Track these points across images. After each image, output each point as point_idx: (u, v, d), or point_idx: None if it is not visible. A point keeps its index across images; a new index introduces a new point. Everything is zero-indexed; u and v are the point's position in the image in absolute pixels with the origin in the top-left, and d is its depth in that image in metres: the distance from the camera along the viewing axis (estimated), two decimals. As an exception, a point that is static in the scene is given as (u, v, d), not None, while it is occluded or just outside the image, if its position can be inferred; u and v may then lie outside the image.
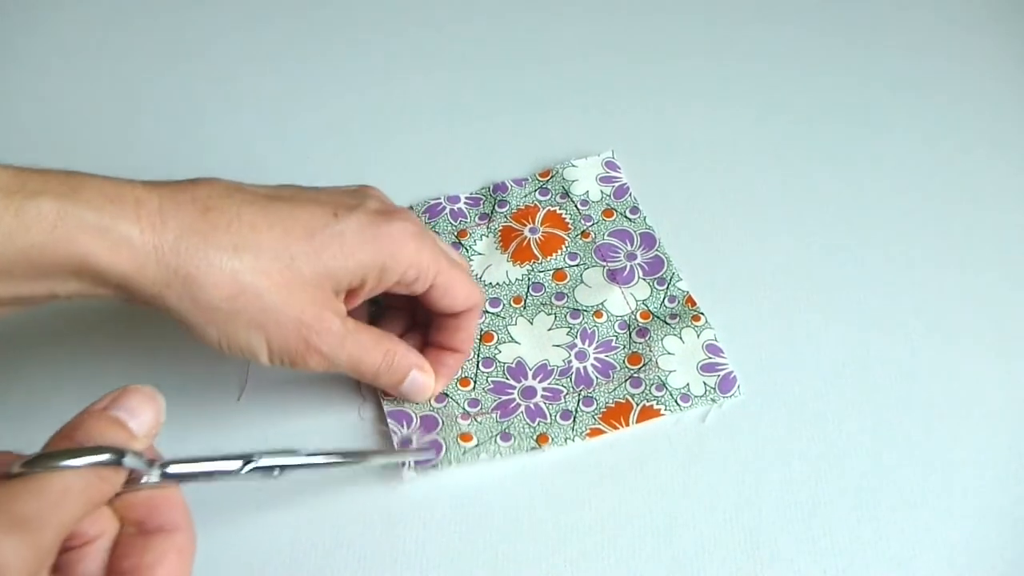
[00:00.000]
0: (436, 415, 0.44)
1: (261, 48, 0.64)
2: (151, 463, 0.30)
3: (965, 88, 0.59)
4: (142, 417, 0.30)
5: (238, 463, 0.33)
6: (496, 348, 0.47)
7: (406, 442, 0.43)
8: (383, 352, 0.41)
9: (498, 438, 0.43)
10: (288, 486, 0.43)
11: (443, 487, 0.43)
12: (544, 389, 0.45)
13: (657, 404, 0.44)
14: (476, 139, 0.57)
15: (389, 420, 0.44)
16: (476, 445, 0.43)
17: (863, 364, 0.46)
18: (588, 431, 0.44)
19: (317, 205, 0.39)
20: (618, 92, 0.60)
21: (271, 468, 0.34)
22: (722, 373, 0.45)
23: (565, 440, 0.43)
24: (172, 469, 0.30)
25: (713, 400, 0.45)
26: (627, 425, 0.44)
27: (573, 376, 0.46)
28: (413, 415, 0.44)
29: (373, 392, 0.46)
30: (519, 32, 0.64)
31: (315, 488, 0.43)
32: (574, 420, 0.44)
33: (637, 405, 0.44)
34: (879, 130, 0.57)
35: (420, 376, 0.43)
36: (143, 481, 0.30)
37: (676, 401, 0.44)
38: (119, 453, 0.28)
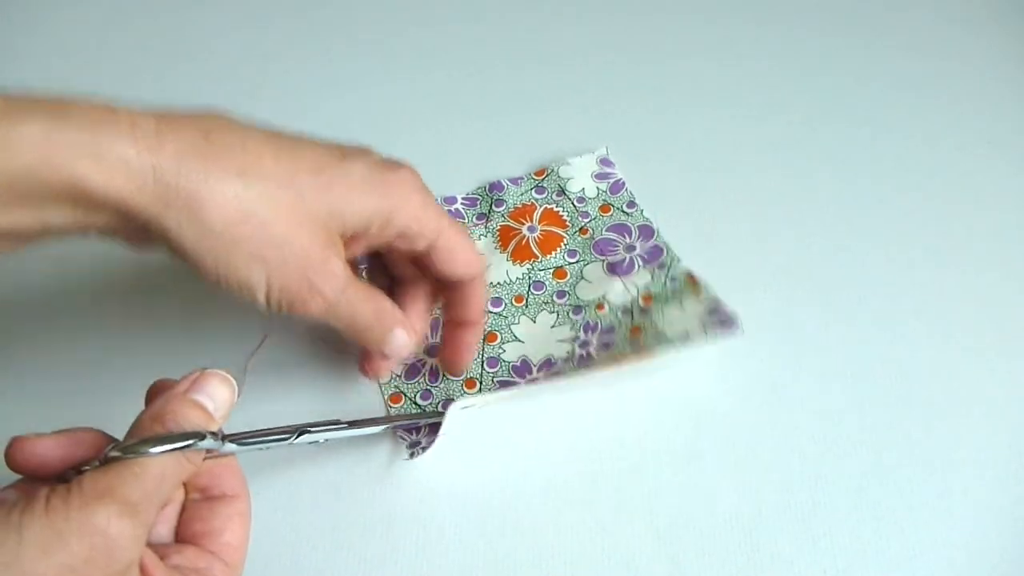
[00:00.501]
0: (442, 423, 0.44)
1: (261, 48, 0.64)
2: (223, 440, 0.33)
3: (965, 88, 0.59)
4: (219, 399, 0.33)
5: (290, 434, 0.37)
6: (500, 348, 0.47)
7: (415, 445, 0.43)
8: (374, 307, 0.40)
9: (498, 389, 0.45)
10: (288, 488, 0.43)
11: (443, 488, 0.43)
12: (546, 376, 0.46)
13: (654, 348, 0.44)
14: (473, 139, 0.57)
15: (398, 430, 0.44)
16: (479, 391, 0.44)
17: (863, 364, 0.46)
18: (580, 369, 0.45)
19: (322, 147, 0.38)
20: (616, 92, 0.60)
21: (319, 437, 0.38)
22: (723, 318, 0.44)
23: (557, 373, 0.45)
24: (242, 442, 0.34)
25: (714, 337, 0.44)
26: (620, 364, 0.44)
27: (576, 360, 0.46)
28: (420, 424, 0.44)
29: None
30: (517, 32, 0.64)
31: (315, 490, 0.43)
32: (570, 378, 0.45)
33: (634, 354, 0.44)
34: (879, 129, 0.57)
35: (402, 335, 0.41)
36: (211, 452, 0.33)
37: (673, 343, 0.44)
38: (200, 436, 0.31)
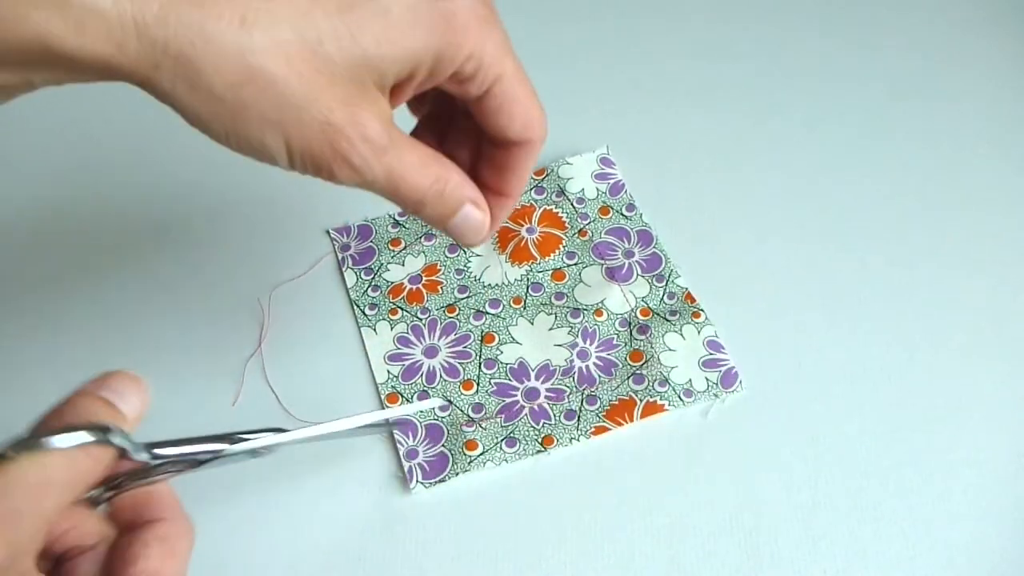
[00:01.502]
0: (441, 424, 0.44)
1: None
2: (137, 445, 0.29)
3: (965, 89, 0.59)
4: (129, 399, 0.29)
5: (223, 444, 0.32)
6: (498, 349, 0.47)
7: (412, 453, 0.43)
8: (433, 177, 0.33)
9: (503, 444, 0.43)
10: (287, 489, 0.43)
11: (443, 488, 0.43)
12: (547, 390, 0.45)
13: (660, 400, 0.44)
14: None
15: (395, 432, 0.44)
16: (482, 453, 0.43)
17: (863, 364, 0.46)
18: (593, 429, 0.44)
19: None
20: (616, 92, 0.60)
21: (257, 447, 0.34)
22: (724, 368, 0.45)
23: (570, 440, 0.43)
24: (158, 451, 0.30)
25: (716, 395, 0.45)
26: (631, 421, 0.44)
27: (576, 376, 0.46)
28: (418, 424, 0.44)
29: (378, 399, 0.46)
30: (516, 32, 0.64)
31: (315, 491, 0.43)
32: (578, 419, 0.44)
33: (641, 401, 0.44)
34: (879, 130, 0.57)
35: (475, 212, 0.35)
36: (133, 467, 0.30)
37: (679, 396, 0.45)
38: (105, 430, 0.27)
